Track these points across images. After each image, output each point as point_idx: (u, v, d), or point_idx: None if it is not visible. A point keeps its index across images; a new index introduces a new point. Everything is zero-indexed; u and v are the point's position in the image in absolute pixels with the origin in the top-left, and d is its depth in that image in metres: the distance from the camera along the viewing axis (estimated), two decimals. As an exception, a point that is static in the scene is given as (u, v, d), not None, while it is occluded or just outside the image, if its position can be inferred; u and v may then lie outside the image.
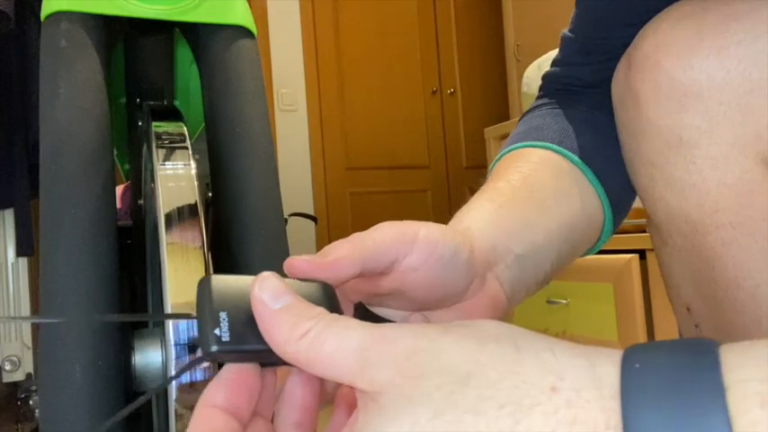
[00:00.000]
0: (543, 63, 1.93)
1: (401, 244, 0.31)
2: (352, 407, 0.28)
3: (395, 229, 0.31)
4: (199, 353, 0.27)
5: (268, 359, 0.25)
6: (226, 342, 0.24)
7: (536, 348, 0.21)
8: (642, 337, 1.40)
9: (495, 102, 3.49)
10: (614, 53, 0.48)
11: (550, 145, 0.48)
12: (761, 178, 0.39)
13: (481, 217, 0.38)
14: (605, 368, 0.20)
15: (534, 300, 1.73)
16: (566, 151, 0.48)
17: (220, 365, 0.26)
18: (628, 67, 0.44)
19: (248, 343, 0.25)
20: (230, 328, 0.24)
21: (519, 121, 0.55)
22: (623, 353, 0.21)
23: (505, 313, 0.38)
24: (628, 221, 1.59)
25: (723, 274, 0.40)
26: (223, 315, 0.24)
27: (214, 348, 0.24)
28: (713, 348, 0.20)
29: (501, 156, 0.50)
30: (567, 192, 0.45)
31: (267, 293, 0.25)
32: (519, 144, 0.50)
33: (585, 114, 0.51)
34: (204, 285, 0.25)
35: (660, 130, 0.42)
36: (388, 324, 0.23)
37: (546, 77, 0.57)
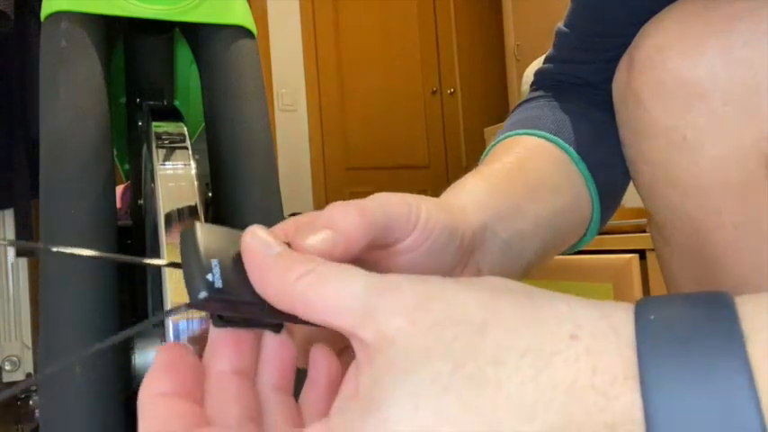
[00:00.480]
0: (543, 63, 1.93)
1: (407, 224, 0.29)
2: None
3: (403, 205, 0.29)
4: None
5: (258, 315, 0.24)
6: (218, 289, 0.22)
7: (550, 298, 0.21)
8: (642, 337, 1.40)
9: (495, 102, 3.49)
10: (614, 53, 0.48)
11: (546, 134, 0.47)
12: (765, 180, 0.39)
13: (475, 197, 0.36)
14: (620, 318, 0.20)
15: (534, 300, 1.73)
16: (562, 142, 0.47)
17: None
18: (630, 67, 0.44)
19: (241, 294, 0.23)
20: (222, 276, 0.22)
21: (511, 112, 0.54)
22: (636, 305, 0.20)
23: None
24: (628, 221, 1.59)
25: (725, 275, 0.40)
26: (215, 262, 0.22)
27: (203, 295, 0.22)
28: (729, 300, 0.19)
29: (495, 143, 0.49)
30: (560, 182, 0.44)
31: (259, 242, 0.23)
32: (514, 132, 0.48)
33: (583, 108, 0.50)
34: (190, 234, 0.23)
35: (663, 130, 0.41)
36: (391, 273, 0.22)
37: (539, 74, 0.56)
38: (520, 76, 2.55)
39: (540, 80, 0.55)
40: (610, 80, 0.49)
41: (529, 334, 0.20)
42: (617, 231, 1.62)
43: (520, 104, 0.54)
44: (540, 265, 0.44)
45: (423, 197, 0.31)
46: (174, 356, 0.24)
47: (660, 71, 0.41)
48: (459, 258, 0.33)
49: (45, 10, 0.69)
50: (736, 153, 0.39)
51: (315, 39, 3.23)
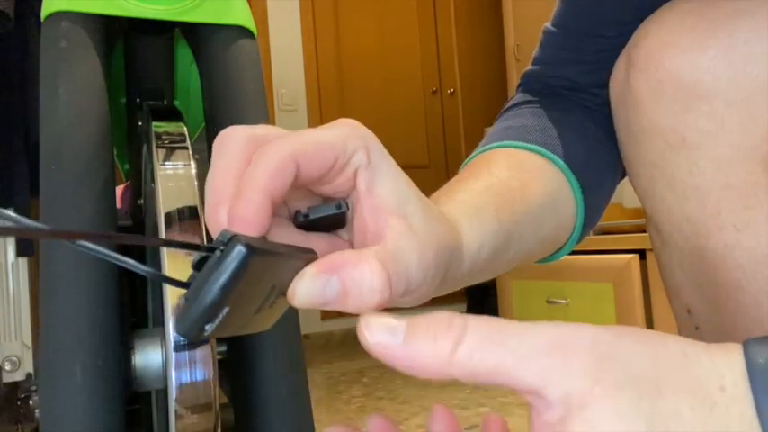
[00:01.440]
0: (543, 63, 1.93)
1: (416, 276, 0.28)
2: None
3: (422, 263, 0.28)
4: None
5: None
6: (206, 335, 0.22)
7: (696, 352, 0.23)
8: (642, 338, 1.40)
9: (495, 102, 3.49)
10: (604, 54, 0.47)
11: (541, 149, 0.46)
12: (765, 181, 0.38)
13: (466, 210, 0.35)
14: (738, 363, 0.22)
15: (534, 300, 1.73)
16: (552, 155, 0.46)
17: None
18: (628, 66, 0.43)
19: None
20: (219, 325, 0.22)
21: (498, 117, 0.53)
22: (743, 348, 0.23)
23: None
24: (628, 221, 1.59)
25: (725, 277, 0.40)
26: (225, 311, 0.22)
27: (191, 336, 0.22)
28: None
29: (482, 150, 0.47)
30: (550, 211, 0.44)
31: (382, 330, 0.22)
32: (500, 143, 0.47)
33: (571, 117, 0.49)
34: (236, 256, 0.21)
35: (663, 130, 0.41)
36: (541, 324, 0.22)
37: (527, 75, 0.54)
38: (520, 76, 2.54)
39: (528, 82, 0.54)
40: (598, 83, 0.49)
41: (691, 388, 0.22)
42: (617, 231, 1.62)
43: (504, 111, 0.52)
44: (499, 274, 0.43)
45: (448, 252, 0.30)
46: None
47: (660, 71, 0.41)
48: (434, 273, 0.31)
49: (45, 10, 0.69)
50: (738, 154, 0.39)
51: (315, 39, 3.23)
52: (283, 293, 0.25)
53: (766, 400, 0.21)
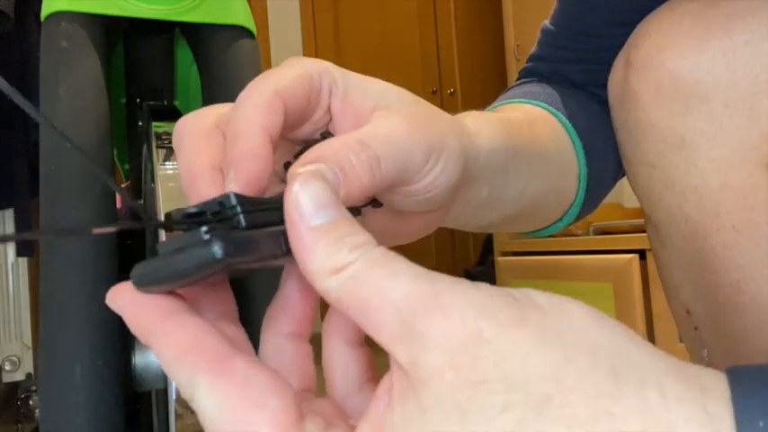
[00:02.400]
0: (543, 63, 1.93)
1: (420, 173, 0.25)
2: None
3: (423, 154, 0.25)
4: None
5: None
6: (156, 292, 0.21)
7: (639, 379, 0.16)
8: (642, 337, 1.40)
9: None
10: (604, 54, 0.47)
11: (549, 107, 0.45)
12: (765, 182, 0.38)
13: (488, 139, 0.33)
14: (726, 421, 0.15)
15: (534, 300, 1.73)
16: (562, 117, 0.45)
17: None
18: (627, 66, 0.43)
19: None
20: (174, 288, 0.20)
21: (502, 94, 0.52)
22: (734, 395, 0.16)
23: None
24: (628, 221, 1.59)
25: (724, 278, 0.40)
26: (183, 282, 0.20)
27: (140, 288, 0.20)
28: None
29: (494, 107, 0.47)
30: (557, 160, 0.43)
31: (308, 200, 0.19)
32: (517, 99, 0.46)
33: (573, 93, 0.49)
34: (203, 255, 0.19)
35: (661, 131, 0.41)
36: (442, 278, 0.18)
37: (524, 71, 0.54)
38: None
39: (525, 76, 0.54)
40: (596, 83, 0.49)
41: (602, 431, 0.15)
42: (617, 231, 1.62)
43: (509, 88, 0.52)
44: (498, 230, 0.42)
45: (447, 133, 0.27)
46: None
47: (659, 71, 0.41)
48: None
49: (45, 10, 0.69)
50: (737, 155, 0.39)
51: (315, 39, 3.23)
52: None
53: None
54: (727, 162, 0.39)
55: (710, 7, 0.39)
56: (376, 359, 0.23)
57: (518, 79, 0.54)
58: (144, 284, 0.20)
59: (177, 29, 0.82)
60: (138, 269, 0.20)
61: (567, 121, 0.45)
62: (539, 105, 0.45)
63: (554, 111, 0.45)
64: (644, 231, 0.48)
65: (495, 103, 0.48)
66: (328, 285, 0.18)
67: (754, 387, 0.16)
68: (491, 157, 0.33)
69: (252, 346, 0.23)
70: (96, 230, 0.19)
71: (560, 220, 0.48)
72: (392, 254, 0.19)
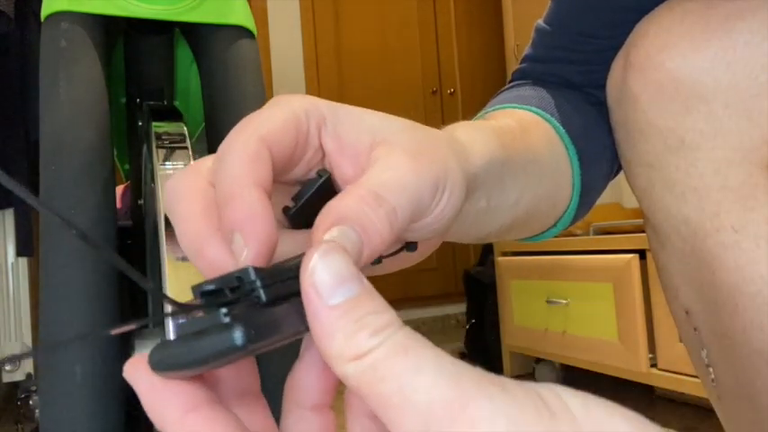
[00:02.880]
0: (543, 63, 1.93)
1: (430, 207, 0.25)
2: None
3: (432, 189, 0.24)
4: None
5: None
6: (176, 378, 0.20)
7: None
8: (642, 338, 1.40)
9: (495, 102, 3.50)
10: (600, 55, 0.46)
11: (542, 113, 0.44)
12: (764, 183, 0.38)
13: (483, 155, 0.32)
14: None
15: (534, 300, 1.73)
16: (555, 122, 0.44)
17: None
18: (626, 66, 0.43)
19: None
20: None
21: (494, 96, 0.51)
22: None
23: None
24: (628, 221, 1.59)
25: (724, 278, 0.39)
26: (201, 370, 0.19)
27: (159, 373, 0.20)
28: None
29: (484, 113, 0.46)
30: (550, 166, 0.42)
31: (327, 275, 0.18)
32: (509, 105, 0.45)
33: (567, 95, 0.48)
34: (225, 341, 0.18)
35: (661, 131, 0.41)
36: (469, 376, 0.17)
37: (517, 72, 0.53)
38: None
39: (518, 78, 0.53)
40: (593, 84, 0.48)
41: None
42: (617, 231, 1.62)
43: (501, 91, 0.51)
44: (495, 240, 0.42)
45: (449, 159, 0.26)
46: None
47: (658, 71, 0.41)
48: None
49: (45, 10, 0.69)
50: (736, 156, 0.38)
51: (315, 39, 3.23)
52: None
53: None
54: (726, 163, 0.39)
55: (710, 7, 0.39)
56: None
57: (511, 81, 0.53)
58: (163, 370, 0.19)
59: (177, 29, 0.82)
60: (156, 354, 0.19)
61: (561, 127, 0.45)
62: (532, 111, 0.45)
63: (547, 116, 0.45)
64: (644, 231, 0.48)
65: (488, 108, 0.48)
66: (347, 371, 0.17)
67: None
68: (487, 170, 0.32)
69: (275, 423, 0.23)
70: (115, 332, 0.18)
71: (554, 226, 0.47)
72: (416, 338, 0.17)
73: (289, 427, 0.23)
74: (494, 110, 0.46)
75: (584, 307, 1.58)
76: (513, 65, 2.84)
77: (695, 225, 0.40)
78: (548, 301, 1.66)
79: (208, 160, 0.24)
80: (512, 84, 0.52)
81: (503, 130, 0.37)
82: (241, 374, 0.22)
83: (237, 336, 0.17)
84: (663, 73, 0.40)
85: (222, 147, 0.22)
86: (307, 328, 0.19)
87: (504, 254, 1.95)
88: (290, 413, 0.23)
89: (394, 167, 0.23)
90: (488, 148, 0.33)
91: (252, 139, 0.22)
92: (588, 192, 0.47)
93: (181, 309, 0.19)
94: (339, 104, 0.26)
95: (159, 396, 0.19)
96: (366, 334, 0.17)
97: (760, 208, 0.38)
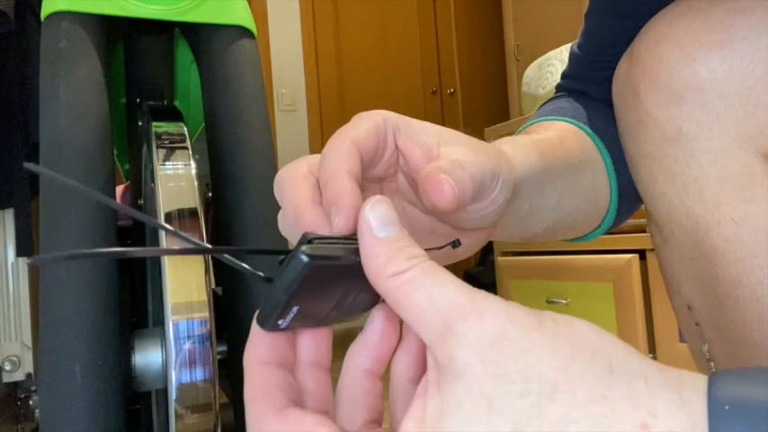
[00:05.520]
0: (543, 63, 1.93)
1: (487, 192, 0.31)
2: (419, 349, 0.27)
3: (491, 176, 0.31)
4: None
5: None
6: (282, 328, 0.25)
7: (630, 372, 0.20)
8: (642, 337, 1.40)
9: (495, 102, 3.49)
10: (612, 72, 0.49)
11: (578, 123, 0.49)
12: (762, 173, 0.39)
13: (525, 160, 0.38)
14: (697, 406, 0.19)
15: (534, 300, 1.73)
16: (589, 130, 0.48)
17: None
18: (629, 60, 0.44)
19: (308, 323, 0.26)
20: (293, 320, 0.25)
21: (538, 109, 0.56)
22: (710, 389, 0.19)
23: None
24: (627, 221, 1.59)
25: (725, 271, 0.40)
26: (294, 309, 0.24)
27: (267, 328, 0.25)
28: None
29: (527, 126, 0.50)
30: (588, 170, 0.46)
31: (376, 217, 0.24)
32: (549, 117, 0.50)
33: (602, 106, 0.51)
34: (294, 267, 0.23)
35: (659, 122, 0.42)
36: (480, 291, 0.22)
37: (558, 87, 0.58)
38: (520, 76, 2.54)
39: (557, 91, 0.57)
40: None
41: (598, 412, 0.19)
42: (617, 231, 1.62)
43: (544, 103, 0.56)
44: (541, 240, 0.46)
45: (498, 153, 0.33)
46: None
47: (657, 63, 0.41)
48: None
49: (45, 10, 0.69)
50: (733, 145, 0.39)
51: (315, 39, 3.23)
52: (365, 292, 0.26)
53: None
54: (723, 152, 0.39)
55: (712, 3, 0.40)
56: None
57: (555, 93, 0.58)
58: (265, 321, 0.25)
59: (177, 29, 0.82)
60: (259, 315, 0.25)
61: (595, 135, 0.48)
62: (567, 121, 0.49)
63: (581, 125, 0.49)
64: (644, 231, 0.49)
65: (531, 121, 0.52)
66: (387, 285, 0.23)
67: (726, 379, 0.19)
68: (528, 178, 0.37)
69: (331, 390, 0.28)
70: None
71: (599, 226, 0.50)
72: (440, 267, 0.23)
73: (344, 383, 0.27)
74: (532, 124, 0.50)
75: (584, 307, 1.58)
76: (512, 65, 2.85)
77: (697, 218, 0.41)
78: (548, 301, 1.66)
79: (312, 158, 0.31)
80: (552, 96, 0.57)
81: (543, 142, 0.42)
82: (317, 346, 0.27)
83: (303, 256, 0.23)
84: (660, 64, 0.41)
85: (325, 147, 0.29)
86: (357, 261, 0.24)
87: (504, 254, 1.95)
88: (347, 374, 0.27)
89: (464, 154, 0.30)
90: (529, 159, 0.38)
91: (346, 141, 0.29)
92: (626, 193, 0.49)
93: (277, 254, 0.25)
94: (407, 117, 0.32)
95: (249, 353, 0.25)
96: (403, 257, 0.23)
97: (758, 199, 0.38)
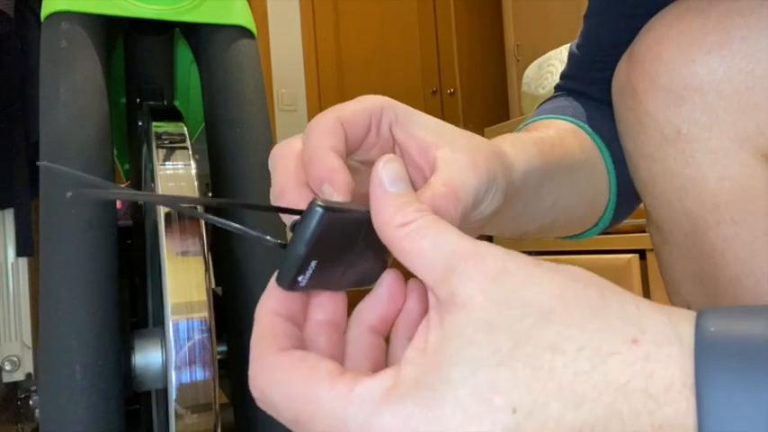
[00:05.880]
0: (543, 63, 1.93)
1: (485, 196, 0.31)
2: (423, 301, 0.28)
3: (487, 182, 0.31)
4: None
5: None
6: (301, 287, 0.26)
7: (621, 299, 0.21)
8: (642, 337, 1.40)
9: (495, 102, 3.49)
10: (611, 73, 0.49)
11: (578, 122, 0.48)
12: (761, 173, 0.39)
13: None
14: (685, 327, 0.20)
15: (534, 300, 1.74)
16: (590, 129, 0.48)
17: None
18: (629, 60, 0.44)
19: (328, 285, 0.27)
20: (311, 279, 0.25)
21: (537, 107, 0.56)
22: (698, 315, 0.21)
23: None
24: (627, 221, 1.59)
25: (724, 271, 0.40)
26: (313, 265, 0.25)
27: (286, 285, 0.25)
28: None
29: (526, 124, 0.50)
30: (587, 170, 0.46)
31: (387, 174, 0.25)
32: (548, 116, 0.50)
33: (602, 107, 0.51)
34: (311, 218, 0.24)
35: (658, 122, 0.42)
36: (481, 242, 0.23)
37: (557, 88, 0.57)
38: (520, 76, 2.54)
39: (557, 90, 0.57)
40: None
41: (591, 329, 0.20)
42: (617, 231, 1.62)
43: (544, 102, 0.56)
44: (533, 237, 0.46)
45: (496, 157, 0.32)
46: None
47: (656, 64, 0.41)
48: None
49: (45, 10, 0.69)
50: (733, 146, 0.39)
51: (315, 39, 3.23)
52: (375, 256, 0.28)
53: (706, 369, 0.19)
54: (722, 153, 0.39)
55: (712, 4, 0.40)
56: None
57: (554, 93, 0.58)
58: (284, 278, 0.25)
59: (177, 29, 0.82)
60: (278, 274, 0.25)
61: (595, 134, 0.48)
62: (567, 120, 0.49)
63: (581, 124, 0.48)
64: (644, 231, 0.49)
65: (531, 118, 0.52)
66: (395, 234, 0.24)
67: (714, 311, 0.21)
68: (527, 178, 0.38)
69: (342, 350, 0.28)
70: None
71: (596, 225, 0.50)
72: (443, 220, 0.24)
73: (349, 339, 0.28)
74: (533, 121, 0.50)
75: (584, 307, 1.58)
76: (512, 65, 2.85)
77: (696, 218, 0.41)
78: (548, 301, 1.66)
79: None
80: (552, 96, 0.57)
81: (543, 141, 0.42)
82: (335, 304, 0.28)
83: (319, 208, 0.24)
84: (659, 63, 0.41)
85: (310, 123, 0.29)
86: (367, 212, 0.26)
87: (505, 254, 1.95)
88: (352, 329, 0.28)
89: (460, 169, 0.30)
90: (529, 159, 0.38)
91: (330, 117, 0.29)
92: (625, 191, 0.49)
93: (291, 212, 0.27)
94: (410, 108, 0.32)
95: (263, 303, 0.26)
96: (411, 209, 0.24)
97: (758, 199, 0.38)
